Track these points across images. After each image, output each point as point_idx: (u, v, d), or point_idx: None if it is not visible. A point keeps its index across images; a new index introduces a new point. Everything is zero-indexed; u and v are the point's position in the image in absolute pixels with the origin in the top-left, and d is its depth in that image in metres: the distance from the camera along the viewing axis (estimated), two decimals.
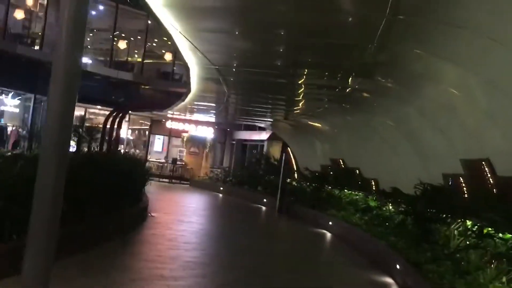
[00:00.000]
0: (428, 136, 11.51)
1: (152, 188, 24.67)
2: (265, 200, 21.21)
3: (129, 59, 29.58)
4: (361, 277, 9.38)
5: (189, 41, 9.59)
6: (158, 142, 34.02)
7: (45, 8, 23.81)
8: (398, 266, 9.09)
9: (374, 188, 17.53)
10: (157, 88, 25.41)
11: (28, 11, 24.27)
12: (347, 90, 12.08)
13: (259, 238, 12.35)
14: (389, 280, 9.10)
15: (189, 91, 15.04)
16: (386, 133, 14.36)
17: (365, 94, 12.43)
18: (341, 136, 19.42)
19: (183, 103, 17.85)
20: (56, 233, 4.56)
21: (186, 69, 12.33)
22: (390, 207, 13.45)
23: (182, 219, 13.91)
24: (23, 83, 22.51)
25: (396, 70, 9.91)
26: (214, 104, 18.10)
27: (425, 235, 9.21)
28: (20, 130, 23.55)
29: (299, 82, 12.49)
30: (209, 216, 15.96)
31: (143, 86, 26.66)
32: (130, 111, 24.19)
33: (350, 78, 10.97)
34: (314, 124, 20.14)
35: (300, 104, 16.65)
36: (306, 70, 11.20)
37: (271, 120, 22.69)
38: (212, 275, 7.71)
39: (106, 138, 21.30)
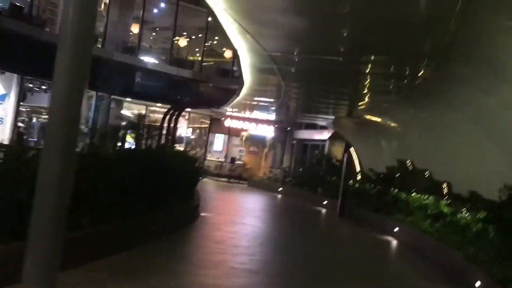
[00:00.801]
0: None
1: (208, 187, 24.34)
2: (325, 202, 20.02)
3: (190, 57, 29.43)
4: None
5: (237, 22, 8.71)
6: (218, 141, 33.66)
7: (107, 6, 24.01)
8: (479, 283, 7.71)
9: (446, 192, 15.87)
10: (215, 85, 24.91)
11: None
12: (418, 79, 10.69)
13: (317, 244, 11.26)
14: None
15: (242, 84, 14.19)
16: (463, 130, 12.77)
17: (438, 84, 10.95)
18: (410, 134, 17.83)
19: (238, 98, 17.08)
20: (61, 237, 3.82)
21: (236, 57, 11.53)
22: (466, 214, 11.89)
23: (235, 220, 13.11)
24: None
25: (478, 51, 8.48)
26: (271, 99, 17.15)
27: None
28: (82, 127, 23.81)
29: (365, 71, 11.19)
30: (264, 217, 15.05)
31: (201, 84, 26.34)
32: (187, 109, 23.77)
33: (422, 64, 9.61)
34: (379, 121, 18.70)
35: (365, 98, 15.36)
36: (372, 57, 9.93)
37: (333, 117, 21.43)
38: (259, 285, 6.77)
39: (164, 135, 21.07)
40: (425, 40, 8.52)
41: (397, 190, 17.99)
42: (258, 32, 9.29)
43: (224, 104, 19.79)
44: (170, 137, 20.01)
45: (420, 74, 10.17)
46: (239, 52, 10.81)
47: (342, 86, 13.77)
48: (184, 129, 31.64)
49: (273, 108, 20.70)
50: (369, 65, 10.68)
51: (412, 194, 16.98)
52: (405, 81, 11.58)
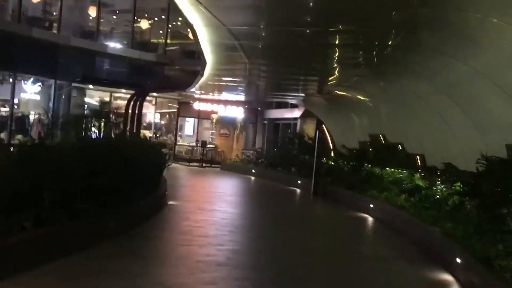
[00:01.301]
0: (490, 102, 9.53)
1: (179, 173, 23.65)
2: (299, 182, 19.61)
3: (154, 40, 28.30)
4: (415, 273, 7.70)
5: None
6: (188, 126, 32.86)
7: None
8: (459, 260, 7.35)
9: (420, 165, 15.62)
10: (181, 67, 23.98)
11: None
12: (387, 50, 10.16)
13: (290, 229, 10.76)
14: (448, 277, 7.39)
15: (204, 63, 13.42)
16: (435, 101, 12.38)
17: (408, 54, 10.46)
18: (381, 108, 17.44)
19: (203, 79, 16.30)
20: None
21: (193, 34, 10.78)
22: (442, 187, 11.59)
23: (204, 207, 12.51)
24: (42, 69, 21.59)
25: (447, 17, 7.98)
26: (238, 79, 16.38)
27: (493, 222, 7.38)
28: (42, 118, 22.62)
29: (333, 42, 10.51)
30: (236, 202, 14.50)
31: (166, 67, 25.37)
32: (152, 93, 22.87)
33: (391, 33, 9.06)
34: (350, 96, 18.25)
35: (335, 73, 14.79)
36: (340, 26, 9.23)
37: (304, 95, 20.88)
38: (225, 281, 6.21)
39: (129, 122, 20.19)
40: (393, 6, 7.94)
41: (370, 165, 17.72)
42: (212, 3, 8.52)
43: (190, 86, 18.97)
44: (135, 124, 19.11)
45: (389, 43, 9.62)
46: (195, 28, 10.02)
47: (311, 61, 13.12)
48: (152, 115, 30.74)
49: (242, 88, 19.99)
50: (337, 36, 10.08)
51: (386, 169, 16.73)
52: (374, 52, 11.04)
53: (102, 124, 20.18)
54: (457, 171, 10.46)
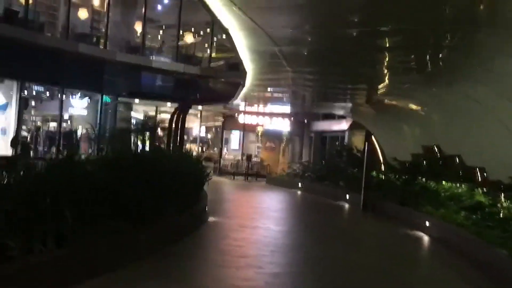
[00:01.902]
0: None
1: (223, 187, 23.20)
2: (347, 196, 18.66)
3: (199, 54, 28.29)
4: None
5: None
6: (234, 139, 32.54)
7: (107, 5, 23.04)
8: None
9: (480, 179, 14.38)
10: (226, 80, 23.70)
11: (92, 10, 23.68)
12: (442, 51, 9.21)
13: (337, 248, 9.91)
14: None
15: (245, 73, 12.87)
16: (497, 108, 11.24)
17: (465, 56, 9.45)
18: (435, 118, 16.27)
19: (245, 90, 15.78)
20: None
21: (229, 40, 10.23)
22: (508, 204, 10.44)
23: (246, 223, 11.90)
24: (89, 84, 21.87)
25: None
26: (281, 88, 15.73)
27: None
28: (90, 132, 22.81)
29: (382, 45, 9.60)
30: (280, 218, 13.77)
31: (211, 79, 25.20)
32: (194, 106, 22.65)
33: (446, 33, 8.15)
34: (401, 105, 17.21)
35: (384, 79, 13.85)
36: (389, 26, 8.37)
37: (351, 104, 19.96)
38: None
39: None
40: (448, 1, 7.07)
41: (424, 179, 16.58)
42: (246, 2, 7.93)
43: (233, 98, 18.53)
44: (178, 137, 18.86)
45: (444, 44, 8.69)
46: (230, 32, 9.50)
47: (358, 67, 12.24)
48: (196, 128, 30.65)
49: (286, 99, 19.34)
50: (386, 38, 9.20)
51: (442, 183, 15.57)
52: (427, 55, 10.10)
53: (146, 138, 20.31)
54: None
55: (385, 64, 11.50)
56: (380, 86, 14.75)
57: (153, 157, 10.76)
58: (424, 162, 17.67)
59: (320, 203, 18.76)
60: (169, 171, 9.14)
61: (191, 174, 11.09)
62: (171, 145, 19.41)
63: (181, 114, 18.81)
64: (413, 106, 17.01)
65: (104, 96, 22.60)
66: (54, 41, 20.29)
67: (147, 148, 18.06)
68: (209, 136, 34.69)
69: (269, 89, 15.95)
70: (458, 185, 14.68)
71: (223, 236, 9.94)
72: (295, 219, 14.40)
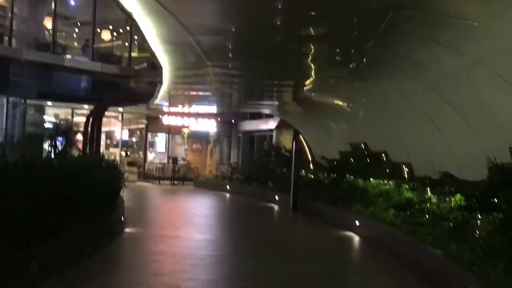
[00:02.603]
0: (489, 97, 8.19)
1: (146, 193, 21.87)
2: (277, 197, 18.09)
3: (120, 53, 26.59)
4: None
5: None
6: (160, 142, 31.10)
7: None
8: None
9: (407, 175, 14.27)
10: (148, 79, 22.34)
11: None
12: (367, 41, 8.68)
13: (266, 255, 9.14)
14: None
15: (160, 69, 11.78)
16: (422, 101, 11.03)
17: (390, 46, 9.03)
18: (361, 114, 16.08)
19: (164, 88, 14.66)
20: None
21: (136, 29, 9.18)
22: (437, 200, 10.18)
23: (167, 233, 10.84)
24: None
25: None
26: (203, 86, 14.75)
27: None
28: None
29: (306, 34, 8.90)
30: (205, 225, 12.80)
31: (132, 79, 23.72)
32: (112, 107, 21.13)
33: (372, 19, 7.59)
34: (327, 102, 16.88)
35: (311, 74, 13.34)
36: (314, 12, 7.66)
37: (278, 103, 19.40)
38: None
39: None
40: None
41: (352, 177, 16.33)
42: None
43: (152, 98, 17.30)
44: (94, 142, 17.33)
45: (370, 33, 8.18)
46: (135, 18, 8.38)
47: (283, 60, 11.59)
48: (118, 131, 28.92)
49: (212, 98, 18.35)
50: (311, 28, 8.55)
51: (370, 181, 15.35)
52: (353, 46, 9.62)
53: (59, 143, 18.55)
54: (456, 181, 9.07)
55: (310, 57, 10.91)
56: (307, 82, 14.25)
57: (56, 164, 9.48)
58: (352, 160, 17.47)
59: (249, 205, 18.04)
60: (71, 179, 7.92)
61: (102, 181, 9.88)
62: (87, 150, 17.79)
63: (96, 116, 17.29)
64: (340, 102, 16.73)
65: (8, 98, 20.48)
66: None
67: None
68: (134, 139, 32.95)
69: (191, 86, 14.91)
70: (385, 182, 14.45)
71: (138, 250, 8.84)
72: (222, 226, 13.50)
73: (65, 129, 20.60)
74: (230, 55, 10.94)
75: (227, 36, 9.40)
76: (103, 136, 35.56)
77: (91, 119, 18.39)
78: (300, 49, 10.17)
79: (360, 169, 15.92)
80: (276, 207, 17.40)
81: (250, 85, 15.59)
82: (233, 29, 9.18)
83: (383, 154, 15.49)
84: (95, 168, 9.94)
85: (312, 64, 11.51)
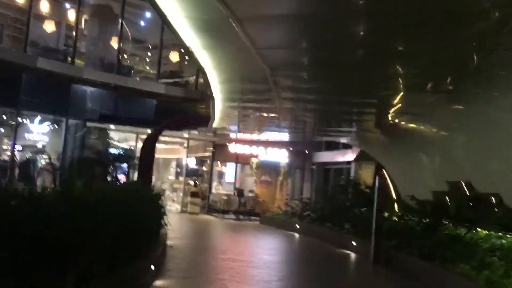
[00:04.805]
0: None
1: (207, 228, 19.70)
2: (354, 243, 15.06)
3: (188, 77, 25.23)
4: None
5: None
6: (229, 172, 29.13)
7: (76, 17, 20.20)
8: None
9: None
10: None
11: (58, 22, 20.88)
12: (473, 62, 6.03)
13: None
14: None
15: (206, 77, 9.50)
16: None
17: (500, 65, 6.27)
18: (463, 144, 12.80)
19: (219, 107, 12.40)
20: None
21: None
22: None
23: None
24: (51, 105, 18.76)
25: None
26: (265, 105, 12.28)
27: None
28: (54, 163, 19.41)
29: (395, 51, 6.64)
30: (263, 281, 10.11)
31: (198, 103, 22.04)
32: (168, 130, 19.36)
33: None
34: (418, 129, 13.84)
35: (398, 98, 10.64)
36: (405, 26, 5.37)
37: (356, 130, 16.56)
38: None
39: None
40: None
41: (451, 224, 13.04)
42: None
43: (210, 121, 15.17)
44: (145, 169, 15.49)
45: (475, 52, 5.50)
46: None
47: (363, 81, 9.15)
48: (183, 160, 27.34)
49: (278, 120, 15.82)
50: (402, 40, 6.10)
51: (477, 231, 12.01)
52: (453, 66, 6.95)
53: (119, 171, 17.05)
54: None
55: (399, 76, 8.30)
56: (393, 102, 11.42)
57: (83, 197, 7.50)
58: (449, 202, 14.12)
59: (320, 252, 15.18)
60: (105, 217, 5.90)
61: (143, 219, 7.82)
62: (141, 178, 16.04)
63: (149, 141, 15.52)
64: (435, 130, 13.61)
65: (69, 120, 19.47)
66: (5, 53, 17.29)
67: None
68: (204, 168, 31.26)
69: (251, 105, 12.59)
70: (501, 233, 11.10)
71: None
72: (282, 279, 10.69)
73: (125, 155, 19.20)
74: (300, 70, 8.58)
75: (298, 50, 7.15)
76: (173, 164, 34.86)
77: (148, 144, 16.65)
78: (383, 66, 7.64)
79: (461, 216, 12.59)
80: (352, 256, 14.38)
81: (325, 107, 12.99)
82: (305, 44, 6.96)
83: (493, 197, 12.09)
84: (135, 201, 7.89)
85: (401, 85, 8.86)
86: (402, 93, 10.70)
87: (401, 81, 9.70)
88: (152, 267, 8.50)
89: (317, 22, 6.28)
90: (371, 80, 9.73)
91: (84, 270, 5.96)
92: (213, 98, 11.29)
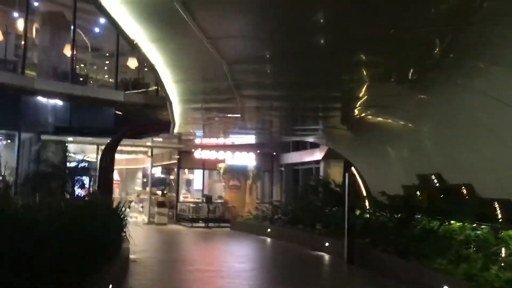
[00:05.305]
0: None
1: (174, 238, 18.90)
2: (327, 243, 14.63)
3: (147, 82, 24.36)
4: None
5: None
6: (197, 179, 28.38)
7: (25, 25, 19.12)
8: None
9: (502, 216, 10.61)
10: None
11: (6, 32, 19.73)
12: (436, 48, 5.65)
13: None
14: None
15: (159, 78, 8.79)
16: None
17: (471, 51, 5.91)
18: (431, 135, 12.57)
19: (178, 108, 11.71)
20: None
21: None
22: None
23: None
24: (2, 119, 17.64)
25: None
26: (225, 104, 11.59)
27: None
28: (6, 180, 18.19)
29: (357, 36, 6.17)
30: None
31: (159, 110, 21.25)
32: (127, 139, 18.55)
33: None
34: (385, 122, 13.55)
35: (363, 89, 10.25)
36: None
37: (323, 127, 16.16)
38: None
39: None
40: None
41: (423, 218, 12.74)
42: None
43: (171, 124, 14.43)
44: (103, 180, 14.63)
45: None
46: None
47: (326, 70, 8.68)
48: (148, 169, 26.46)
49: (242, 122, 15.18)
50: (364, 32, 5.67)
51: (451, 223, 11.72)
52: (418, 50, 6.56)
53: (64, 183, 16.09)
54: None
55: (361, 66, 7.87)
56: (359, 96, 11.03)
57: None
58: (420, 196, 13.87)
59: (293, 255, 14.65)
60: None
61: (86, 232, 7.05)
62: (100, 190, 15.16)
63: (107, 151, 14.69)
64: (401, 121, 13.34)
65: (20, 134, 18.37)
66: None
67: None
68: (172, 177, 30.33)
69: (209, 105, 11.91)
70: (474, 225, 10.82)
71: None
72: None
73: (82, 167, 18.20)
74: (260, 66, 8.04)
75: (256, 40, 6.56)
76: (139, 174, 33.79)
77: (106, 154, 15.81)
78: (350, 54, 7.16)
79: (433, 208, 12.28)
80: (326, 257, 13.93)
81: (290, 104, 12.51)
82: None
83: (464, 188, 11.85)
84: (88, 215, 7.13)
85: (365, 77, 8.44)
86: (367, 84, 10.33)
87: (365, 72, 9.33)
88: (110, 286, 7.75)
89: (275, 5, 5.79)
90: (335, 70, 9.31)
91: None
92: (169, 100, 10.61)
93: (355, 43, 7.36)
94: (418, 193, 13.88)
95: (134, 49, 7.01)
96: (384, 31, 6.55)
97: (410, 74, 9.43)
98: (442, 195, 12.63)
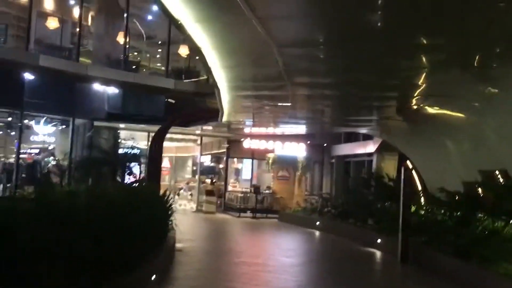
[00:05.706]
0: None
1: (222, 228, 18.79)
2: (379, 240, 13.95)
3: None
4: None
5: None
6: (246, 168, 28.13)
7: (80, 12, 19.41)
8: None
9: None
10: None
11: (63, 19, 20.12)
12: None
13: None
14: None
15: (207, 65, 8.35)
16: None
17: None
18: (497, 128, 11.57)
19: (226, 96, 11.34)
20: None
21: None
22: None
23: None
24: (57, 105, 18.06)
25: None
26: (277, 92, 11.11)
27: None
28: (61, 164, 18.63)
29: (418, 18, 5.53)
30: (278, 285, 9.11)
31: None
32: (176, 126, 18.45)
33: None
34: (444, 114, 12.65)
35: (422, 77, 9.49)
36: None
37: (377, 118, 15.39)
38: None
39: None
40: None
41: (486, 217, 11.81)
42: None
43: (218, 115, 14.15)
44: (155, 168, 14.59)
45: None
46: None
47: (383, 60, 8.04)
48: (197, 157, 26.48)
49: (293, 112, 14.67)
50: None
51: None
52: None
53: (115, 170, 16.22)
54: None
55: (422, 52, 7.17)
56: (417, 85, 10.26)
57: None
58: (481, 193, 12.90)
59: (343, 251, 14.10)
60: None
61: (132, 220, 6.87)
62: (149, 177, 15.18)
63: (156, 139, 14.64)
64: (462, 114, 12.42)
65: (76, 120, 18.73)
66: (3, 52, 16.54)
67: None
68: (220, 166, 30.30)
69: (262, 93, 11.49)
70: None
71: None
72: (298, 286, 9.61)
73: (132, 154, 18.34)
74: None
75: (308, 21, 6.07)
76: (189, 162, 34.02)
77: (155, 142, 15.79)
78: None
79: (499, 207, 11.36)
80: (378, 254, 13.28)
81: (343, 92, 11.90)
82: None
83: None
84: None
85: (425, 65, 7.73)
86: (426, 71, 9.57)
87: (425, 57, 8.59)
88: (154, 276, 7.55)
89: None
90: (392, 55, 8.64)
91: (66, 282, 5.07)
92: (217, 87, 10.29)
93: (417, 22, 6.71)
94: (480, 190, 12.91)
95: (179, 29, 6.69)
96: (451, 8, 5.88)
97: (475, 61, 8.63)
98: (507, 192, 11.66)
